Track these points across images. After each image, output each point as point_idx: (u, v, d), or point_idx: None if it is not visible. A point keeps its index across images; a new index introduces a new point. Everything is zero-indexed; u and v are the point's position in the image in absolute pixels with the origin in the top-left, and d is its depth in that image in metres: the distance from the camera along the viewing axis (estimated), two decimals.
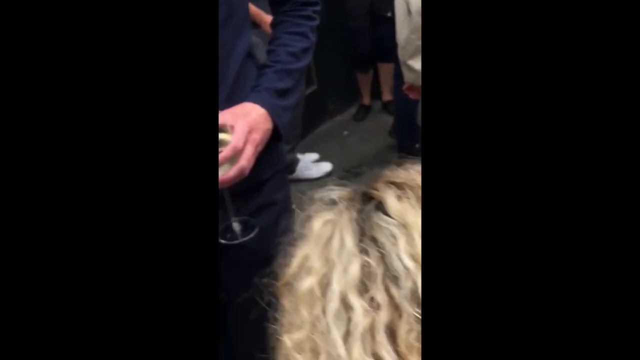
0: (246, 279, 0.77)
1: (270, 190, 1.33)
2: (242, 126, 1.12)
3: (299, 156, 3.68)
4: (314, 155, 3.77)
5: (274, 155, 1.30)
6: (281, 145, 1.34)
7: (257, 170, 1.19)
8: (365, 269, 0.64)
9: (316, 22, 1.37)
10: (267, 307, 0.71)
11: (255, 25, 2.27)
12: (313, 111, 3.80)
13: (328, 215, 0.69)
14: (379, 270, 0.64)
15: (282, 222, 1.33)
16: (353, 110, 4.28)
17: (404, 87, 2.23)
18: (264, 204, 1.32)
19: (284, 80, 1.26)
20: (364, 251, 0.65)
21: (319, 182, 3.59)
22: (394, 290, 0.63)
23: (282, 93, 1.25)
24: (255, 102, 1.19)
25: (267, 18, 1.52)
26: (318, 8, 1.38)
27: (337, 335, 0.63)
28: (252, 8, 1.62)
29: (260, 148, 1.17)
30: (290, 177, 3.50)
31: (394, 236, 0.65)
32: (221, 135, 1.11)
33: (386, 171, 0.71)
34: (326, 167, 3.66)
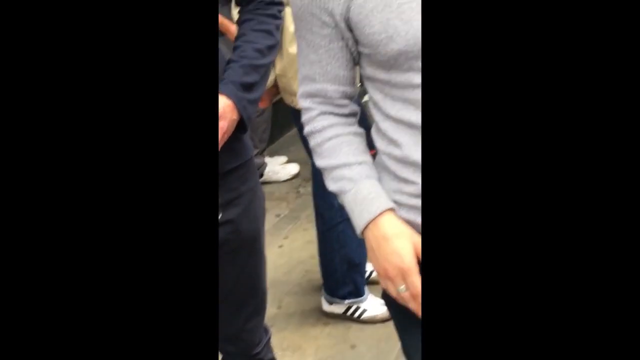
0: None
1: (237, 182, 1.37)
2: None
3: (267, 159, 3.74)
4: (282, 158, 3.83)
5: (239, 146, 1.35)
6: (246, 137, 1.39)
7: (223, 161, 1.24)
8: None
9: (281, 21, 1.44)
10: None
11: (221, 33, 2.31)
12: (281, 116, 3.85)
13: None
14: None
15: (251, 212, 1.38)
16: None
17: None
18: (231, 198, 1.35)
19: (250, 75, 1.31)
20: None
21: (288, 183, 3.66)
22: None
23: (248, 87, 1.31)
24: (222, 93, 1.24)
25: (233, 27, 1.58)
26: (282, 8, 1.45)
27: None
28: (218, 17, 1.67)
29: (226, 136, 1.23)
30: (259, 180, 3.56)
31: None
32: None
33: None
34: (294, 169, 3.72)
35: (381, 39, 0.95)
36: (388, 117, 1.02)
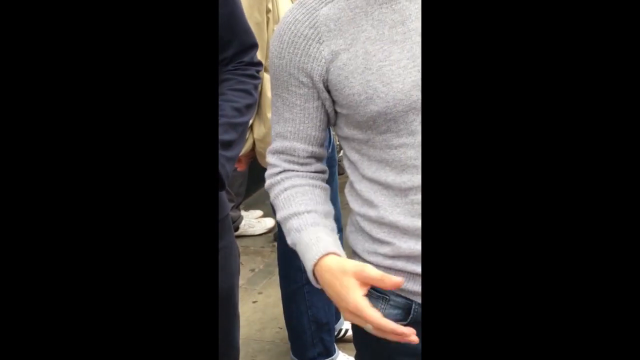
0: None
1: None
2: None
3: (243, 213, 3.74)
4: (258, 212, 3.83)
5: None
6: (223, 195, 1.40)
7: None
8: None
9: (259, 81, 1.47)
10: None
11: None
12: (257, 170, 3.87)
13: None
14: None
15: (227, 269, 1.38)
16: None
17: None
18: None
19: (229, 133, 1.33)
20: None
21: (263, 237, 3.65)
22: None
23: (227, 145, 1.33)
24: None
25: None
26: (261, 68, 1.48)
27: None
28: None
29: None
30: (235, 233, 3.54)
31: None
32: None
33: None
34: (269, 223, 3.72)
35: (361, 100, 0.96)
36: (364, 177, 1.02)
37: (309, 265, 0.96)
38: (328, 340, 2.34)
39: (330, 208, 1.06)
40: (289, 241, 1.02)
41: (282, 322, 2.77)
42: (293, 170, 1.06)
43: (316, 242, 0.97)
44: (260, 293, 3.07)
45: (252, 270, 3.29)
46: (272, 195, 1.07)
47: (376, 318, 0.89)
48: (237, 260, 1.45)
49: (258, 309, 2.93)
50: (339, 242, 0.99)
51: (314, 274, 0.97)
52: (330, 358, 2.37)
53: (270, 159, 1.09)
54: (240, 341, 1.50)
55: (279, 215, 1.05)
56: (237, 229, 3.57)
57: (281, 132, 1.06)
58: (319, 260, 0.95)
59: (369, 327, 0.91)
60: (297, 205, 1.02)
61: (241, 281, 3.17)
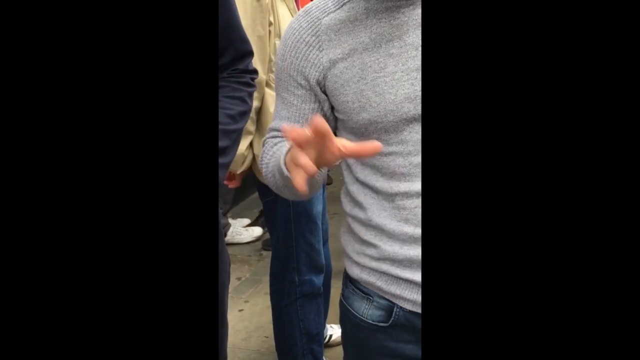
0: None
1: None
2: None
3: (231, 221, 3.73)
4: (245, 220, 3.83)
5: None
6: None
7: None
8: None
9: (254, 89, 1.47)
10: None
11: None
12: (245, 178, 3.86)
13: None
14: None
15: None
16: None
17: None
18: None
19: (222, 140, 1.33)
20: None
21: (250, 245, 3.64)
22: None
23: (220, 152, 1.32)
24: None
25: None
26: (256, 76, 1.48)
27: None
28: None
29: None
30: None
31: None
32: None
33: None
34: (257, 231, 3.71)
35: (354, 107, 0.99)
36: (356, 180, 1.05)
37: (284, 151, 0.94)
38: (318, 351, 2.34)
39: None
40: (270, 169, 1.01)
41: (268, 330, 2.76)
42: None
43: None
44: (246, 302, 3.06)
45: (239, 278, 3.28)
46: (263, 164, 1.05)
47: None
48: (227, 268, 1.44)
49: (244, 317, 2.92)
50: None
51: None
52: None
53: (263, 147, 1.09)
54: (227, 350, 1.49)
55: (268, 170, 1.03)
56: (224, 236, 3.56)
57: (276, 128, 1.09)
58: None
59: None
60: (283, 148, 1.00)
61: None
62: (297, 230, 2.21)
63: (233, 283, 3.18)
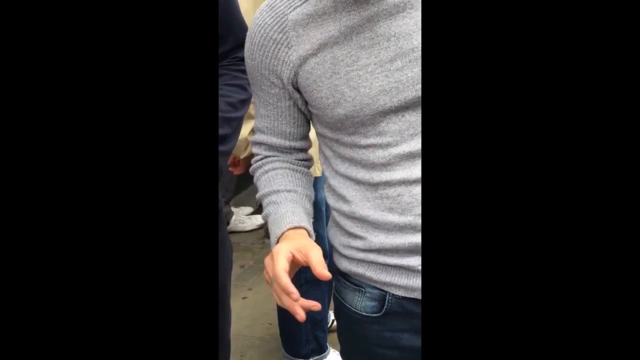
0: None
1: None
2: None
3: (234, 209, 3.74)
4: (248, 209, 3.83)
5: None
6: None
7: None
8: None
9: None
10: None
11: None
12: (246, 167, 3.87)
13: None
14: None
15: (220, 262, 1.38)
16: None
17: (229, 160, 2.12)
18: None
19: (223, 128, 1.34)
20: None
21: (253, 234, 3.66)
22: None
23: (221, 139, 1.33)
24: None
25: None
26: None
27: None
28: None
29: None
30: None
31: None
32: None
33: None
34: (260, 219, 3.72)
35: (329, 103, 0.97)
36: (337, 173, 1.04)
37: (278, 232, 0.98)
38: (322, 337, 2.35)
39: (311, 193, 1.09)
40: (263, 215, 1.05)
41: (271, 318, 2.78)
42: (275, 156, 1.10)
43: (292, 214, 1.00)
44: (249, 289, 3.07)
45: (242, 266, 3.29)
46: (255, 177, 1.11)
47: (279, 270, 0.88)
48: (229, 255, 1.45)
49: (248, 305, 2.93)
50: (311, 226, 1.01)
51: (278, 241, 0.97)
52: (322, 354, 2.38)
53: (253, 148, 1.13)
54: (231, 336, 1.50)
55: (259, 194, 1.07)
56: (227, 224, 3.57)
57: (259, 126, 1.09)
58: (287, 230, 0.97)
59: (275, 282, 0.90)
60: (278, 185, 1.06)
61: (231, 277, 3.18)
62: None
63: (236, 271, 3.19)
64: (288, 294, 0.87)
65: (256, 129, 1.10)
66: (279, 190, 1.05)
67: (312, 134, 1.11)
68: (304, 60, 0.98)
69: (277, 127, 1.07)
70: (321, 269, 0.88)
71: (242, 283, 3.12)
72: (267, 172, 1.08)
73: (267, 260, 0.93)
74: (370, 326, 1.06)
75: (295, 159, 1.11)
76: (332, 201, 1.07)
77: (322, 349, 2.38)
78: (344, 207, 1.04)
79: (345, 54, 0.95)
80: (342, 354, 1.17)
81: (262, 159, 1.10)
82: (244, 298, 2.99)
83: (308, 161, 1.12)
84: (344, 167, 1.02)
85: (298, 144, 1.09)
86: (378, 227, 1.00)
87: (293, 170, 1.09)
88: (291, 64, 0.99)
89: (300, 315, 0.87)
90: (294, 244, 0.93)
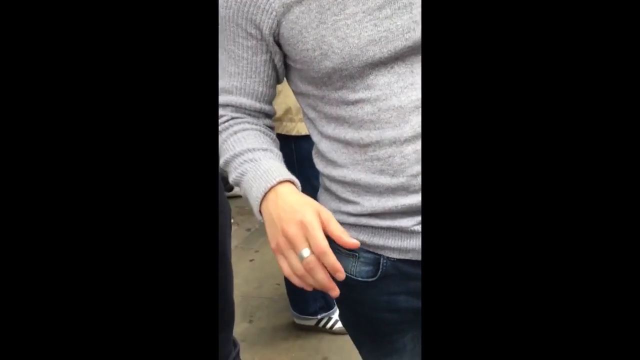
0: None
1: None
2: None
3: None
4: None
5: None
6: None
7: None
8: None
9: None
10: None
11: None
12: None
13: None
14: None
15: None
16: None
17: None
18: None
19: None
20: None
21: None
22: None
23: None
24: None
25: None
26: None
27: None
28: None
29: None
30: (228, 194, 3.57)
31: None
32: None
33: None
34: None
35: (315, 55, 0.90)
36: (323, 136, 0.99)
37: (266, 185, 0.89)
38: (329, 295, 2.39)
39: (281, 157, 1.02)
40: (235, 175, 0.95)
41: (279, 278, 2.81)
42: (243, 118, 1.01)
43: (277, 169, 0.91)
44: (256, 252, 3.10)
45: (248, 229, 3.32)
46: (220, 140, 1.00)
47: (322, 241, 0.82)
48: (227, 216, 1.47)
49: (255, 267, 2.97)
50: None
51: (262, 200, 0.90)
52: (330, 311, 2.42)
53: (219, 111, 1.03)
54: (239, 298, 1.53)
55: (225, 157, 0.97)
56: (231, 189, 3.59)
57: (226, 87, 0.99)
58: (278, 184, 0.89)
59: (305, 253, 0.84)
60: (251, 143, 0.97)
61: (237, 241, 3.21)
62: (302, 175, 2.22)
63: (243, 234, 3.22)
64: (336, 272, 0.82)
65: (222, 91, 1.00)
66: (254, 149, 0.96)
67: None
68: (288, 8, 0.90)
69: (248, 85, 0.98)
70: (348, 238, 0.83)
71: (249, 246, 3.15)
72: (236, 132, 0.99)
73: (294, 229, 0.84)
74: (366, 291, 1.04)
75: (264, 125, 1.03)
76: (321, 166, 1.03)
77: (329, 306, 2.42)
78: (334, 172, 1.00)
79: (332, 2, 0.88)
80: (341, 319, 1.16)
81: (228, 120, 1.01)
82: (251, 260, 3.02)
83: (273, 130, 1.06)
84: (330, 129, 0.97)
85: (267, 108, 1.02)
86: (369, 190, 0.97)
87: (264, 133, 1.01)
88: (273, 12, 0.91)
89: (336, 292, 0.83)
90: (312, 208, 0.84)
